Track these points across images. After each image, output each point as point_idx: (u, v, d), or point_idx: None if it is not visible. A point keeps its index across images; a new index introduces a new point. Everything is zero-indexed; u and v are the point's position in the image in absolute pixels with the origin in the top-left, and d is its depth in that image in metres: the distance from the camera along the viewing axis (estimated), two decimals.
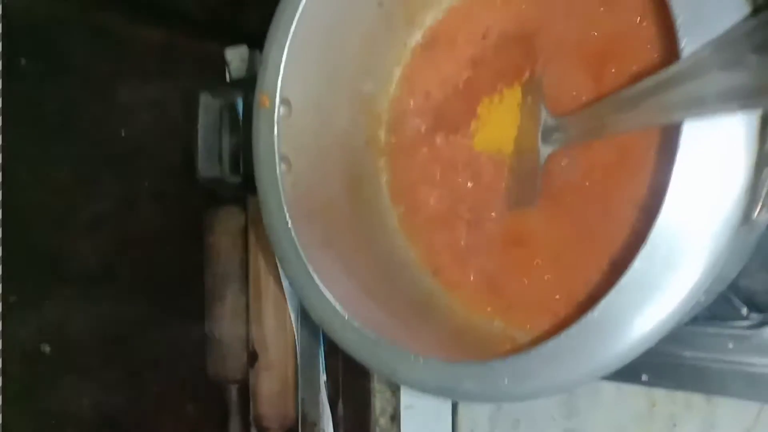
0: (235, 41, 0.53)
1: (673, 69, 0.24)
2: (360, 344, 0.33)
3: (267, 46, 0.36)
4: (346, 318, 0.33)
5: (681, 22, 0.24)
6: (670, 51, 0.27)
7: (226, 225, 0.57)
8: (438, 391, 0.30)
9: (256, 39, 0.46)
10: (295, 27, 0.36)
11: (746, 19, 0.22)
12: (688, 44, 0.23)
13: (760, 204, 0.24)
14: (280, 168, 0.37)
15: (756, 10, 0.22)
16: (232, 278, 0.58)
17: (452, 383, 0.29)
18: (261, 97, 0.36)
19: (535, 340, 0.37)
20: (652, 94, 0.25)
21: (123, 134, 0.53)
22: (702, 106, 0.22)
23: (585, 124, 0.31)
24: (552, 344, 0.27)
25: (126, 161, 0.53)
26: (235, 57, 0.51)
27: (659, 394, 0.44)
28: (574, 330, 0.26)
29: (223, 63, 0.54)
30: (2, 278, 0.47)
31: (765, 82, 0.19)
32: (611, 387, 0.47)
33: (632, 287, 0.25)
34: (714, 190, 0.24)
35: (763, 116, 0.23)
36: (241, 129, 0.41)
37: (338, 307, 0.33)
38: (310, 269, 0.35)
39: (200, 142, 0.40)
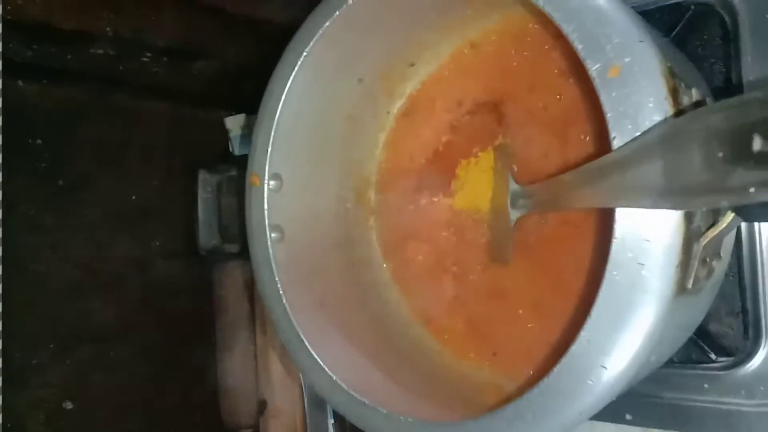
0: (234, 109, 0.57)
1: (605, 159, 0.26)
2: (348, 405, 0.35)
3: (256, 128, 0.39)
4: (335, 380, 0.36)
5: (609, 117, 0.26)
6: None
7: (233, 278, 0.61)
8: None
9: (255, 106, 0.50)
10: (282, 108, 0.39)
11: (669, 119, 0.24)
12: (617, 138, 0.26)
13: (692, 276, 0.27)
14: (271, 239, 0.40)
15: (679, 113, 0.25)
16: (240, 329, 0.61)
17: None
18: (251, 176, 0.39)
19: (515, 391, 0.40)
20: (592, 179, 0.28)
21: (134, 198, 0.57)
22: (627, 198, 0.24)
23: (542, 196, 0.34)
24: (512, 407, 0.29)
25: (137, 224, 0.57)
26: (235, 125, 0.54)
27: None
28: (530, 394, 0.28)
29: (223, 128, 0.58)
30: (25, 341, 0.51)
31: (676, 183, 0.22)
32: (608, 428, 0.48)
33: (579, 357, 0.28)
34: (648, 265, 0.26)
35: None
36: (237, 202, 0.44)
37: (327, 370, 0.36)
38: (301, 333, 0.38)
39: (200, 216, 0.44)
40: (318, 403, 0.56)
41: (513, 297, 0.43)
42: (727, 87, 0.39)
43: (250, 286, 0.60)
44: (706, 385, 0.40)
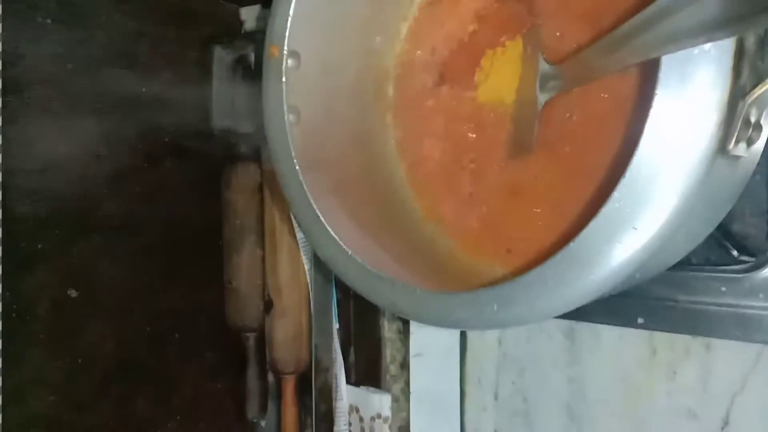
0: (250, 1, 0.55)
1: (650, 9, 0.25)
2: (362, 278, 0.35)
3: (275, 2, 0.38)
4: (350, 254, 0.35)
5: None
6: None
7: (243, 180, 0.60)
8: (433, 320, 0.32)
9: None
10: None
11: None
12: None
13: (735, 136, 0.25)
14: (288, 118, 0.39)
15: None
16: (248, 231, 0.60)
17: (445, 312, 0.31)
18: (270, 47, 0.38)
19: None
20: (633, 36, 0.26)
21: (144, 91, 0.55)
22: (676, 41, 0.23)
23: (577, 69, 0.32)
24: (534, 273, 0.28)
25: (147, 118, 0.56)
26: (250, 16, 0.52)
27: (659, 340, 0.46)
28: (554, 260, 0.28)
29: (238, 22, 0.56)
30: (30, 226, 0.50)
31: (730, 12, 0.20)
32: (612, 334, 0.48)
33: (609, 219, 0.27)
34: (688, 122, 0.25)
35: (736, 51, 0.24)
36: (253, 80, 0.43)
37: (342, 244, 0.35)
38: (318, 211, 0.37)
39: (214, 94, 0.42)
40: (324, 302, 0.56)
41: (531, 195, 0.42)
42: None
43: (260, 189, 0.59)
44: (723, 288, 0.40)
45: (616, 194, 0.26)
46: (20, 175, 0.49)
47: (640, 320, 0.43)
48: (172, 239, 0.59)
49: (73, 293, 0.53)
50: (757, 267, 0.38)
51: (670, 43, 0.24)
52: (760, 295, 0.39)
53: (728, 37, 0.22)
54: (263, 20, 0.53)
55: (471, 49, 0.44)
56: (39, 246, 0.51)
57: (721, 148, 0.25)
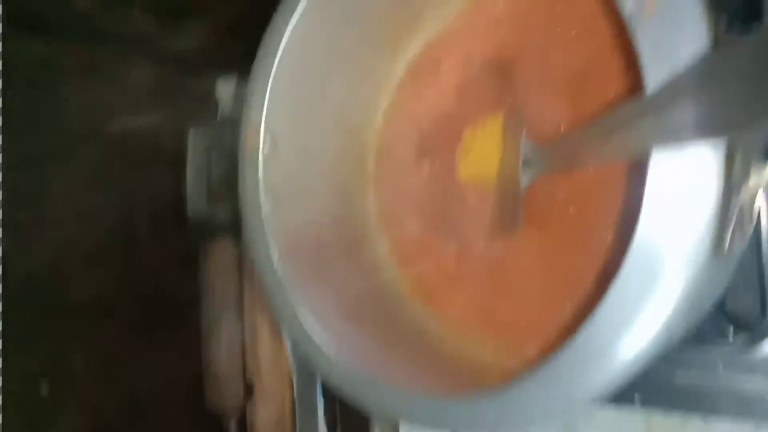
0: (226, 70, 0.54)
1: (638, 102, 0.24)
2: (346, 382, 0.33)
3: (251, 83, 0.37)
4: (331, 357, 0.33)
5: (643, 56, 0.24)
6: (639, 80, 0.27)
7: (220, 257, 0.58)
8: (425, 423, 0.30)
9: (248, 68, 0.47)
10: (278, 63, 0.37)
11: (707, 52, 0.22)
12: (651, 78, 0.24)
13: (729, 233, 0.25)
14: (265, 203, 0.38)
15: (716, 43, 0.23)
16: (227, 309, 0.58)
17: (438, 416, 0.29)
18: (246, 133, 0.37)
19: (522, 369, 0.38)
20: (620, 127, 0.25)
21: (117, 169, 0.54)
22: (665, 138, 0.22)
23: (561, 153, 0.32)
24: (527, 382, 0.27)
25: (122, 196, 0.54)
26: (226, 87, 0.52)
27: (656, 418, 0.44)
28: (548, 367, 0.26)
29: (213, 92, 0.55)
30: (2, 315, 0.48)
31: (724, 113, 0.20)
32: (608, 411, 0.47)
33: (609, 316, 0.25)
34: (683, 219, 0.24)
35: (729, 146, 0.23)
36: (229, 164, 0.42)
37: (324, 346, 0.34)
38: (296, 307, 0.35)
39: (189, 179, 0.41)
40: (307, 384, 0.54)
41: (518, 271, 0.41)
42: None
43: (239, 266, 0.58)
44: (720, 365, 0.39)
45: (608, 299, 0.25)
46: None
47: (637, 397, 0.42)
48: (148, 319, 0.57)
49: (44, 387, 0.50)
50: (753, 341, 0.37)
51: (657, 137, 0.23)
52: (758, 370, 0.37)
53: (713, 138, 0.22)
54: (239, 99, 0.52)
55: (451, 123, 0.43)
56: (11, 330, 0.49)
57: (716, 249, 0.24)
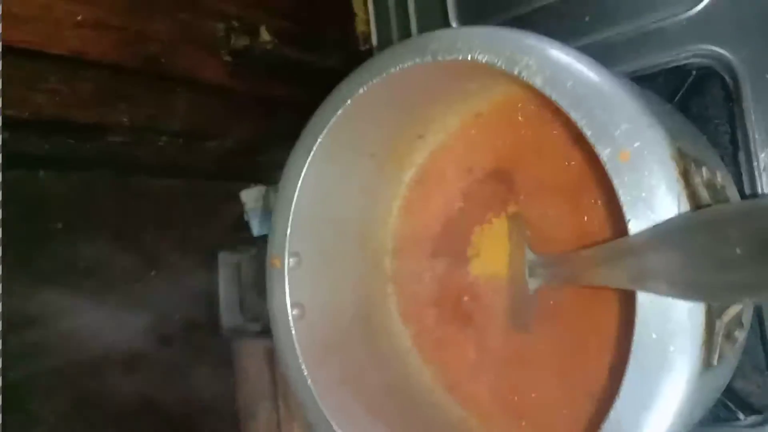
0: (249, 181, 0.58)
1: (622, 242, 0.27)
2: None
3: (274, 213, 0.40)
4: None
5: (624, 201, 0.27)
6: None
7: (253, 347, 0.61)
8: None
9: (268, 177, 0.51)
10: (298, 192, 0.40)
11: (687, 213, 0.25)
12: (633, 221, 0.26)
13: (717, 352, 0.27)
14: (292, 316, 0.40)
15: (692, 194, 0.26)
16: (262, 396, 0.61)
17: None
18: (272, 259, 0.40)
19: None
20: (610, 260, 0.28)
21: (153, 275, 0.58)
22: (645, 287, 0.25)
23: (561, 269, 0.34)
24: None
25: (157, 301, 0.58)
26: (250, 197, 0.55)
27: None
28: None
29: (239, 201, 0.59)
30: (48, 424, 0.51)
31: (693, 277, 0.22)
32: None
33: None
34: (672, 345, 0.26)
35: None
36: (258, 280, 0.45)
37: None
38: (328, 417, 0.38)
39: (221, 296, 0.44)
40: None
41: (535, 363, 0.43)
42: (734, 146, 0.40)
43: (271, 355, 0.60)
44: None
45: (612, 414, 0.28)
46: (38, 377, 0.51)
47: None
48: (187, 415, 0.60)
49: None
50: (765, 422, 0.39)
51: (638, 281, 0.25)
52: None
53: (688, 300, 0.24)
54: (266, 200, 0.56)
55: (460, 225, 0.46)
56: None
57: (707, 364, 0.27)
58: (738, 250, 0.20)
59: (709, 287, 0.22)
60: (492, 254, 0.44)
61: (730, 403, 0.39)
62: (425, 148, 0.46)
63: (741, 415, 0.39)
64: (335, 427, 0.37)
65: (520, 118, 0.43)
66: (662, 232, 0.24)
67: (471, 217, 0.45)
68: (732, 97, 0.40)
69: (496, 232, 0.44)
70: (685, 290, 0.23)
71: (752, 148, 0.39)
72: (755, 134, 0.39)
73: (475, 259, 0.45)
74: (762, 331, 0.39)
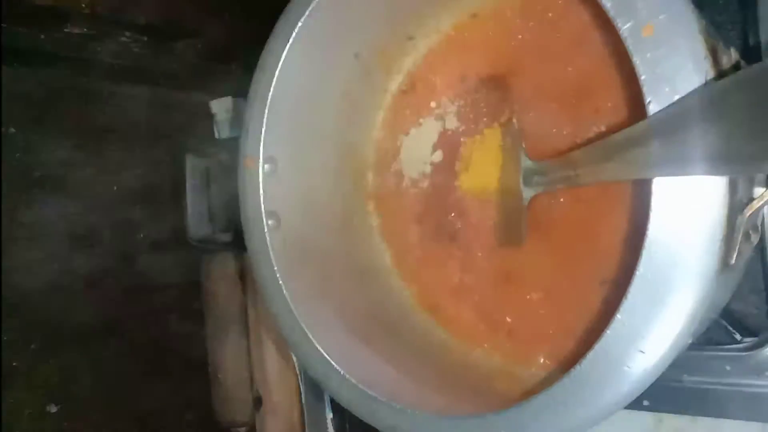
0: (220, 92, 0.54)
1: (640, 126, 0.24)
2: (357, 401, 0.33)
3: (248, 107, 0.37)
4: (343, 374, 0.33)
5: (644, 80, 0.24)
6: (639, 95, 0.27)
7: (223, 270, 0.58)
8: None
9: (241, 88, 0.47)
10: (275, 85, 0.37)
11: (710, 83, 0.22)
12: (653, 103, 0.24)
13: (736, 251, 0.25)
14: (267, 225, 0.38)
15: (720, 75, 0.23)
16: (232, 322, 0.58)
17: None
18: (245, 159, 0.37)
19: (531, 377, 0.38)
20: (623, 149, 0.25)
21: (115, 189, 0.54)
22: (668, 170, 0.22)
23: (561, 171, 0.31)
24: (540, 398, 0.27)
25: (120, 215, 0.54)
26: (220, 108, 0.51)
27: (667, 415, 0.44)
28: (560, 384, 0.26)
29: (209, 113, 0.55)
30: (4, 343, 0.48)
31: (726, 148, 0.20)
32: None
33: (615, 341, 0.26)
34: (690, 236, 0.24)
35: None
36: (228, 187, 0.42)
37: (334, 364, 0.34)
38: (304, 325, 0.35)
39: (189, 203, 0.41)
40: (316, 396, 0.54)
41: (523, 281, 0.41)
42: (745, 55, 0.37)
43: (242, 278, 0.58)
44: (728, 367, 0.39)
45: (619, 316, 0.25)
46: None
47: (645, 403, 0.42)
48: (152, 336, 0.57)
49: (52, 408, 0.50)
50: (760, 345, 0.37)
51: (660, 166, 0.23)
52: (766, 374, 0.38)
53: (715, 174, 0.21)
54: (235, 111, 0.52)
55: (449, 137, 0.43)
56: (14, 363, 0.49)
57: (724, 263, 0.24)
58: None
59: (745, 156, 0.19)
60: (482, 167, 0.41)
61: (727, 325, 0.37)
62: (415, 51, 0.43)
63: (738, 337, 0.37)
64: (311, 337, 0.35)
65: (518, 21, 0.40)
66: (689, 105, 0.21)
67: (462, 130, 0.42)
68: (747, 2, 0.37)
69: (488, 145, 0.41)
70: (716, 165, 0.20)
71: (764, 58, 0.37)
72: None
73: (464, 173, 0.42)
74: (762, 252, 0.37)
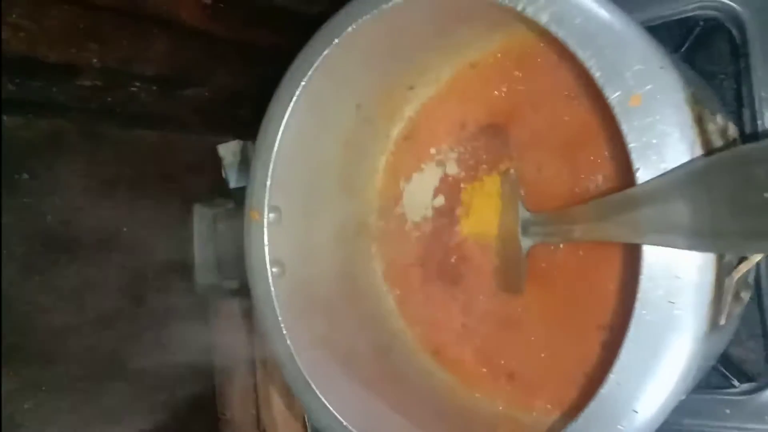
0: (227, 135, 0.55)
1: (632, 192, 0.25)
2: None
3: (254, 162, 0.38)
4: (345, 425, 0.34)
5: (632, 148, 0.25)
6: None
7: (231, 308, 0.59)
8: None
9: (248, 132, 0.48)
10: (279, 140, 0.38)
11: (696, 160, 0.23)
12: (642, 170, 0.24)
13: (725, 311, 0.25)
14: (272, 274, 0.38)
15: (706, 143, 0.24)
16: (240, 359, 0.59)
17: None
18: (251, 212, 0.38)
19: (535, 426, 0.39)
20: (616, 211, 0.26)
21: (125, 230, 0.55)
22: (655, 240, 0.23)
23: (558, 225, 0.32)
24: None
25: (130, 258, 0.55)
26: (228, 152, 0.52)
27: None
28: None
29: (216, 156, 0.56)
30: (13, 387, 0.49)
31: (707, 226, 0.20)
32: None
33: (609, 400, 0.26)
34: (680, 302, 0.25)
35: None
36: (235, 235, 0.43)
37: (336, 413, 0.35)
38: (307, 375, 0.36)
39: (196, 251, 0.42)
40: None
41: (524, 326, 0.41)
42: (738, 103, 0.38)
43: (249, 316, 0.58)
44: (727, 411, 0.39)
45: (612, 376, 0.26)
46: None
47: None
48: (161, 375, 0.58)
49: None
50: (759, 389, 0.38)
51: (647, 234, 0.24)
52: (766, 418, 0.38)
53: (701, 251, 0.22)
54: (242, 154, 0.53)
55: (449, 182, 0.44)
56: (25, 406, 0.50)
57: (714, 324, 0.25)
58: (766, 194, 0.18)
59: (729, 235, 0.20)
60: (482, 213, 0.42)
61: (725, 370, 0.38)
62: (416, 100, 0.44)
63: (736, 382, 0.38)
64: (313, 386, 0.36)
65: (516, 71, 0.41)
66: (676, 179, 0.22)
67: (462, 176, 0.43)
68: (739, 52, 0.38)
69: (488, 191, 0.42)
70: (701, 240, 0.21)
71: (757, 106, 0.37)
72: (761, 91, 0.37)
73: (464, 218, 0.43)
74: (759, 297, 0.38)
